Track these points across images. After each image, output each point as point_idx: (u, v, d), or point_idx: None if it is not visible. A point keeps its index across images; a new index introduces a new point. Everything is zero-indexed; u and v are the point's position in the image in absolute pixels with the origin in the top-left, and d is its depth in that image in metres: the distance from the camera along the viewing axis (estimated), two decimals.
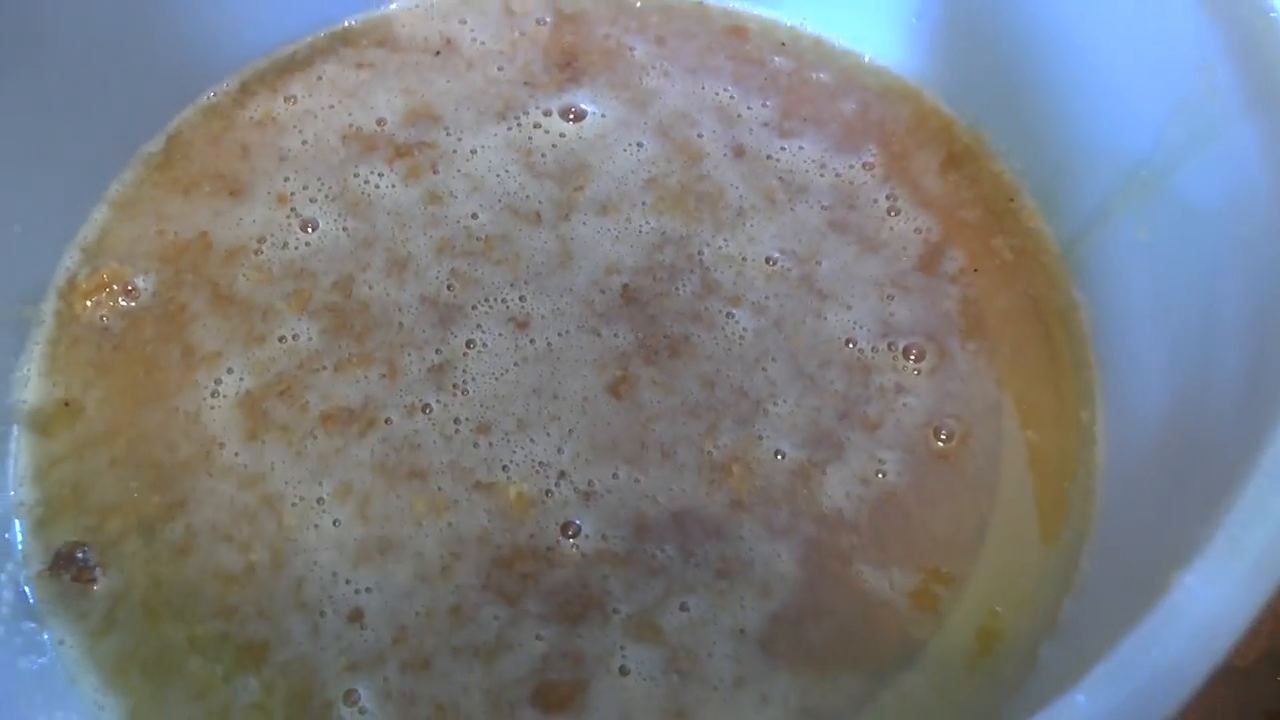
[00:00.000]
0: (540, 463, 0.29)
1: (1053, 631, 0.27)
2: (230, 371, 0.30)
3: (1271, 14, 0.25)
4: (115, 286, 0.31)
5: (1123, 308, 0.30)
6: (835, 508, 0.28)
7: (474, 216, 0.32)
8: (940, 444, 0.29)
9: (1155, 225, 0.29)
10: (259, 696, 0.26)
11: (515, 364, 0.30)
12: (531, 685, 0.26)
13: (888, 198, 0.33)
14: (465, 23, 0.36)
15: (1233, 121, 0.25)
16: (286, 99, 0.35)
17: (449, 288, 0.31)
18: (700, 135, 0.34)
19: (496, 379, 0.30)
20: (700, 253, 0.32)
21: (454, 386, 0.30)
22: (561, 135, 0.34)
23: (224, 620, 0.27)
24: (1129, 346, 0.30)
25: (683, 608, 0.27)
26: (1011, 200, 0.33)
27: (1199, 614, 0.17)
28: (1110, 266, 0.31)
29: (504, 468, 0.29)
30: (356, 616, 0.27)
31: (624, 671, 0.26)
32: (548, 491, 0.28)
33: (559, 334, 0.30)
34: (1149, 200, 0.29)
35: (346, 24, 0.36)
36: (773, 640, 0.27)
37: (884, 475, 0.29)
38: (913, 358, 0.30)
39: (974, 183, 0.34)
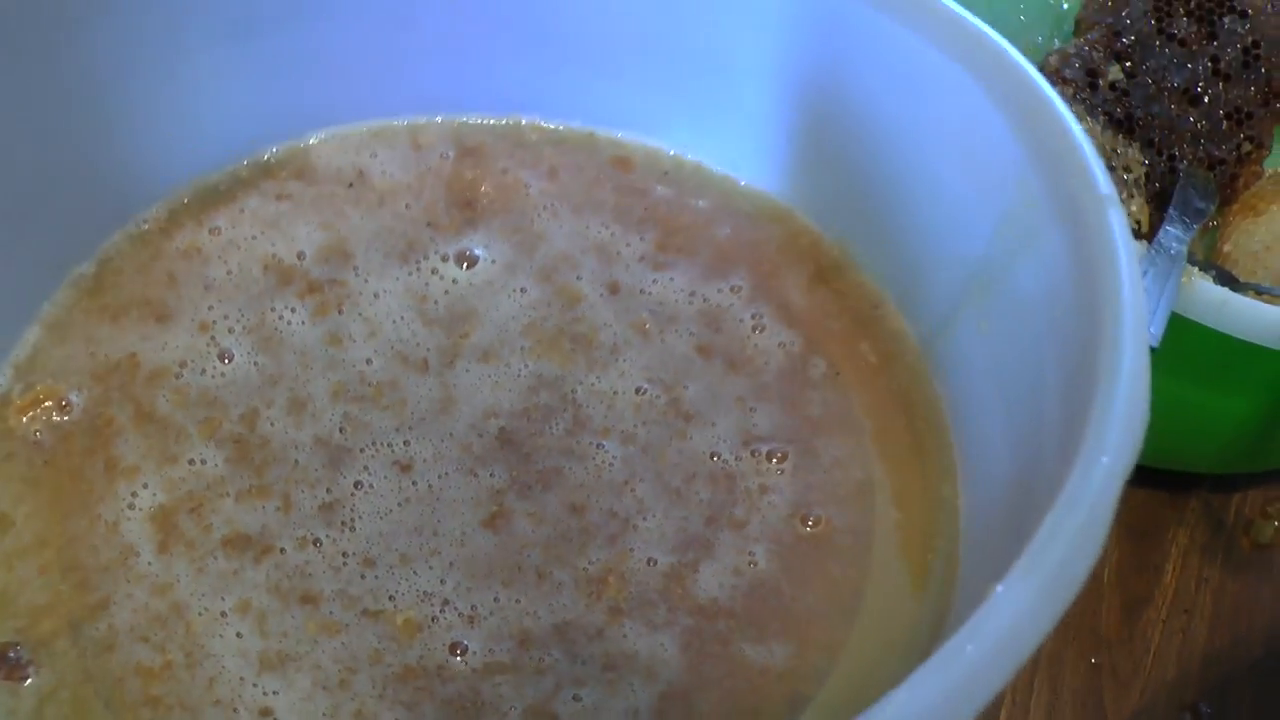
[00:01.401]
0: (424, 592, 0.30)
1: None
2: (145, 486, 0.32)
3: (1069, 133, 0.29)
4: (50, 402, 0.33)
5: (974, 393, 0.33)
6: (710, 598, 0.31)
7: (368, 362, 0.35)
8: (809, 529, 0.32)
9: (993, 319, 0.32)
10: None
11: (399, 504, 0.32)
12: None
13: (753, 316, 0.36)
14: (376, 156, 0.39)
15: (1046, 227, 0.29)
16: (211, 230, 0.37)
17: (341, 430, 0.33)
18: (579, 278, 0.37)
19: (381, 518, 0.32)
20: (574, 391, 0.34)
21: (342, 524, 0.32)
22: (454, 282, 0.37)
23: (150, 710, 0.28)
24: (981, 426, 0.33)
25: (575, 698, 0.29)
26: (876, 307, 0.37)
27: (1006, 616, 0.21)
28: (961, 358, 0.34)
29: (390, 597, 0.30)
30: (267, 713, 0.28)
31: None
32: (433, 617, 0.30)
33: (439, 476, 0.33)
34: (987, 298, 0.33)
35: (267, 157, 0.39)
36: (665, 714, 0.29)
37: (755, 564, 0.31)
38: (775, 460, 0.33)
39: (840, 295, 0.37)
